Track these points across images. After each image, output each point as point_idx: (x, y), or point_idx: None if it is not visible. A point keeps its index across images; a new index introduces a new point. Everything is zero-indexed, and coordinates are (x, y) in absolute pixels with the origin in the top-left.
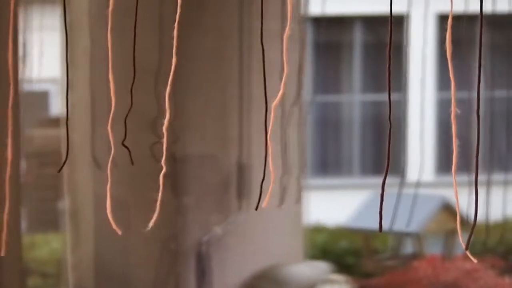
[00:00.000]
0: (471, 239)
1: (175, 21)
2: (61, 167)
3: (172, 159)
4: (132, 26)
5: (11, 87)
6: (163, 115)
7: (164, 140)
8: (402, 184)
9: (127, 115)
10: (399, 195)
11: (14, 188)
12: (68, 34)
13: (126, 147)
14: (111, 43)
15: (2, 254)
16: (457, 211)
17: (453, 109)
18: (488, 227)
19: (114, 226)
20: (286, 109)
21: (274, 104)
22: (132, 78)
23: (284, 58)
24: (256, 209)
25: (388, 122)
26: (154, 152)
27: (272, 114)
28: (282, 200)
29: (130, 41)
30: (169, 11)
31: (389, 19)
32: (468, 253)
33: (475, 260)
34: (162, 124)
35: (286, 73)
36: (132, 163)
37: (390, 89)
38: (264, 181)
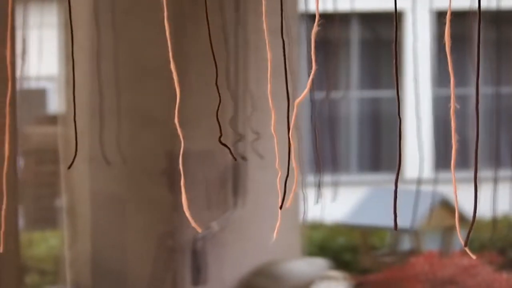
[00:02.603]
0: (470, 235)
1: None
2: (70, 165)
3: (170, 155)
4: (134, 26)
5: (9, 84)
6: (240, 113)
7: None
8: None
9: (217, 110)
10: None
11: (11, 185)
12: (66, 31)
13: (223, 144)
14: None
15: (1, 250)
16: (456, 207)
17: (453, 105)
18: (496, 222)
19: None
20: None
21: (297, 101)
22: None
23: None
24: (281, 208)
25: (398, 118)
26: (235, 150)
27: (295, 111)
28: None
29: (132, 40)
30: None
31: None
32: (467, 249)
33: (473, 256)
34: (241, 121)
35: (314, 70)
36: (235, 159)
37: (398, 85)
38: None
